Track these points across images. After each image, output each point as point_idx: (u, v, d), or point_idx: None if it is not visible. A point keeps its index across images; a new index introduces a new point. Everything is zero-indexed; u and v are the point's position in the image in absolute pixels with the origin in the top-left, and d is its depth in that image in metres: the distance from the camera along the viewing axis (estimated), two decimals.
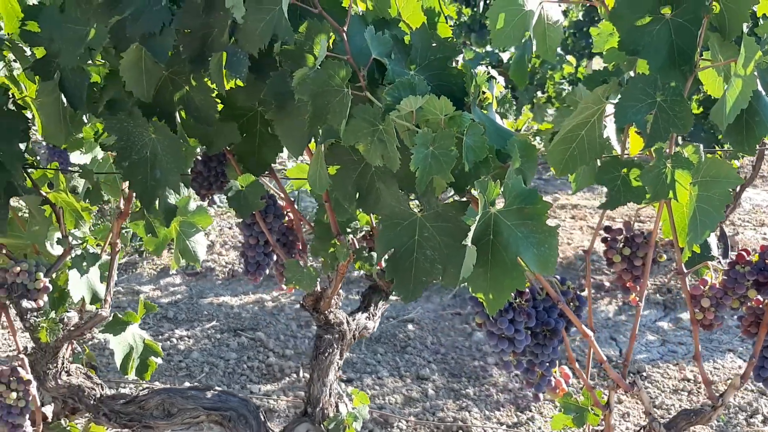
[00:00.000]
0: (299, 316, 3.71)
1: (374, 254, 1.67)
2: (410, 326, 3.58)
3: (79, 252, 1.94)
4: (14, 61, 1.83)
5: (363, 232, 1.73)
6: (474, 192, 1.12)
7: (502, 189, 1.11)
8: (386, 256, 1.28)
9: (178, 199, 1.79)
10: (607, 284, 4.03)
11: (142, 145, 1.50)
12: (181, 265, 2.12)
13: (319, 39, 1.13)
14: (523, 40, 1.33)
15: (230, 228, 4.78)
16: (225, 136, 1.51)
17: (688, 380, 3.17)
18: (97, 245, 2.07)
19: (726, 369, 3.28)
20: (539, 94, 4.33)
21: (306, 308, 1.64)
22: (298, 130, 1.29)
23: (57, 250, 1.99)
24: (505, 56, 4.08)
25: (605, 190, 1.37)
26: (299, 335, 3.48)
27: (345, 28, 1.16)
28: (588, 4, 2.08)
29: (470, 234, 1.06)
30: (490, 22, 1.27)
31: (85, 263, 1.93)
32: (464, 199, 1.25)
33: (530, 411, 2.85)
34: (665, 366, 3.29)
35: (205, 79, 1.44)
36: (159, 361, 2.03)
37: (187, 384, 2.96)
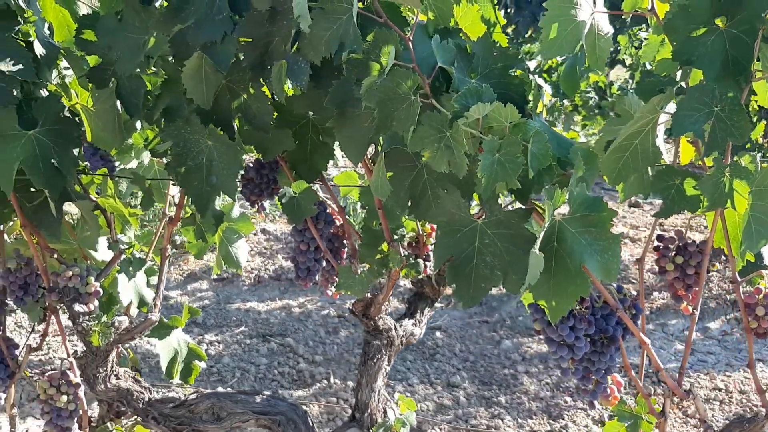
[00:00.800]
0: (326, 323, 3.73)
1: (420, 261, 1.68)
2: (438, 334, 3.59)
3: (125, 257, 1.97)
4: (65, 68, 1.86)
5: (408, 239, 1.75)
6: (540, 201, 1.13)
7: (567, 197, 1.12)
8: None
9: (221, 205, 1.81)
10: (634, 292, 4.01)
11: (198, 152, 1.52)
12: (223, 268, 2.14)
13: (387, 48, 1.15)
14: (575, 50, 1.35)
15: (255, 234, 4.81)
16: (280, 144, 1.53)
17: (720, 389, 3.15)
18: (141, 250, 2.09)
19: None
20: (566, 102, 4.33)
21: (355, 314, 1.65)
22: (357, 137, 1.31)
23: (102, 255, 2.02)
24: (531, 64, 4.09)
25: (634, 199, 1.38)
26: (327, 341, 3.49)
27: (410, 37, 1.17)
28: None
29: (538, 241, 1.07)
30: (543, 31, 1.29)
31: (132, 268, 1.96)
32: (523, 206, 1.26)
33: (563, 419, 2.85)
34: (696, 375, 3.27)
35: (262, 88, 1.46)
36: (202, 365, 2.05)
37: (220, 389, 2.98)
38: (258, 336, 3.55)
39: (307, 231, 1.60)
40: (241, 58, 1.39)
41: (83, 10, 1.78)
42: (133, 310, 1.99)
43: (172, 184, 1.73)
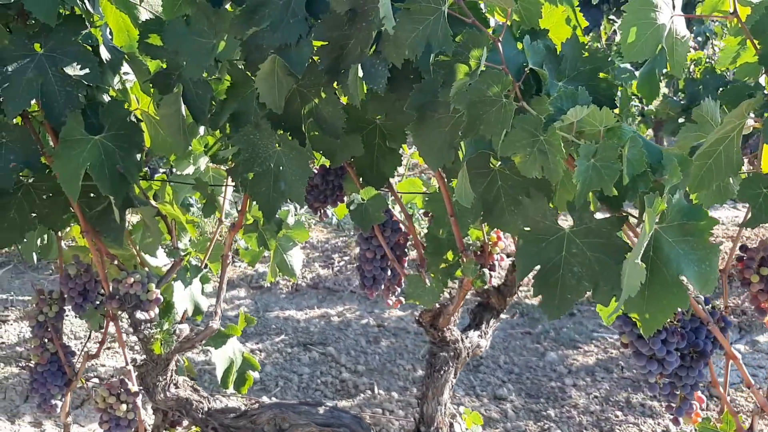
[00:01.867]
0: (366, 332, 3.69)
1: (486, 271, 1.64)
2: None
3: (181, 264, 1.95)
4: (125, 73, 1.85)
5: (473, 248, 1.70)
6: (647, 208, 1.08)
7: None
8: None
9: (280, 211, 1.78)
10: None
11: (266, 158, 1.49)
12: (277, 277, 2.11)
13: (477, 50, 1.11)
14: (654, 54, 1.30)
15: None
16: (349, 149, 1.50)
17: None
18: (196, 257, 2.07)
19: None
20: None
21: (422, 325, 1.61)
22: (438, 142, 1.27)
23: (156, 261, 2.00)
24: None
25: None
26: (369, 351, 3.45)
27: (500, 38, 1.14)
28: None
29: (640, 251, 1.03)
30: (621, 35, 1.24)
31: (188, 275, 1.93)
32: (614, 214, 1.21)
33: None
34: (747, 390, 3.18)
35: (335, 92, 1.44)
36: (256, 375, 2.02)
37: (265, 398, 2.95)
38: (299, 345, 3.52)
39: (374, 239, 1.56)
40: (315, 61, 1.36)
41: (143, 15, 1.77)
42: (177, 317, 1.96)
43: (234, 191, 1.70)
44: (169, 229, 1.78)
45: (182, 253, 2.01)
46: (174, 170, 1.97)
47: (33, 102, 1.54)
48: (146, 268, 1.86)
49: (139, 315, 1.65)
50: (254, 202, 1.73)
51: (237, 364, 1.95)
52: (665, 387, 1.27)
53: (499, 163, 1.37)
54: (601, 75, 1.25)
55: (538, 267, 1.23)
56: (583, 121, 1.10)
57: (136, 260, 1.89)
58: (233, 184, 2.02)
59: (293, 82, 1.46)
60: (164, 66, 1.80)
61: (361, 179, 1.56)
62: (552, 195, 1.32)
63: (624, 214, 1.18)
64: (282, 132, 1.48)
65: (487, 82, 1.09)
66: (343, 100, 1.55)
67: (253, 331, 3.66)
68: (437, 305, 1.61)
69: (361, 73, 1.30)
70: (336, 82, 1.38)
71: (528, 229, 1.24)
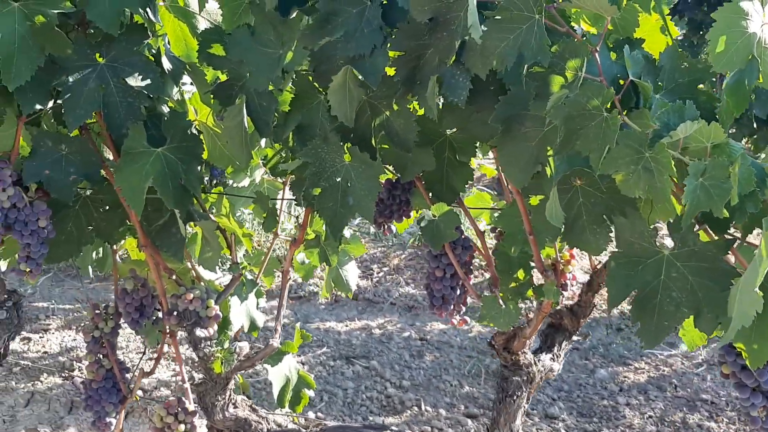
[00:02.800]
0: (409, 346, 3.62)
1: (559, 290, 1.56)
2: None
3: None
4: (182, 84, 1.81)
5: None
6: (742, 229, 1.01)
7: None
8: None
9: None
10: None
11: (333, 172, 1.44)
12: (332, 292, 2.05)
13: (574, 60, 1.04)
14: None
15: None
16: (420, 163, 1.44)
17: None
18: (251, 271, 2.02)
19: None
20: None
21: (494, 347, 1.54)
22: (524, 157, 1.20)
23: (209, 275, 1.96)
24: None
25: None
26: (413, 366, 3.38)
27: (597, 48, 1.07)
28: None
29: (758, 277, 0.95)
30: (710, 44, 1.17)
31: (244, 290, 1.89)
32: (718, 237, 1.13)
33: None
34: None
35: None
36: (311, 393, 1.96)
37: (311, 414, 2.89)
38: (341, 358, 3.46)
39: (444, 256, 1.49)
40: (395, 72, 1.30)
41: (202, 24, 1.73)
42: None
43: (296, 204, 1.65)
44: (228, 243, 1.73)
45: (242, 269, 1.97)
46: (231, 182, 1.92)
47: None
48: (202, 283, 1.82)
49: (199, 332, 1.60)
50: (316, 217, 1.68)
51: (293, 382, 1.89)
52: (766, 421, 1.18)
53: (581, 179, 1.30)
54: (700, 87, 1.17)
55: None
56: (689, 138, 1.02)
57: (191, 274, 1.85)
58: (291, 197, 1.97)
59: (363, 94, 1.40)
60: (221, 76, 1.78)
61: (430, 194, 1.49)
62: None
63: (730, 236, 1.10)
64: (350, 145, 1.42)
65: (587, 95, 1.02)
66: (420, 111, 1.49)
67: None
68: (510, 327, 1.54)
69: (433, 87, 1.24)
70: (411, 94, 1.32)
71: (621, 250, 1.16)
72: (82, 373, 3.25)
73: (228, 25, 1.67)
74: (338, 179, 1.43)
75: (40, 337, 3.62)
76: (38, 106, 1.45)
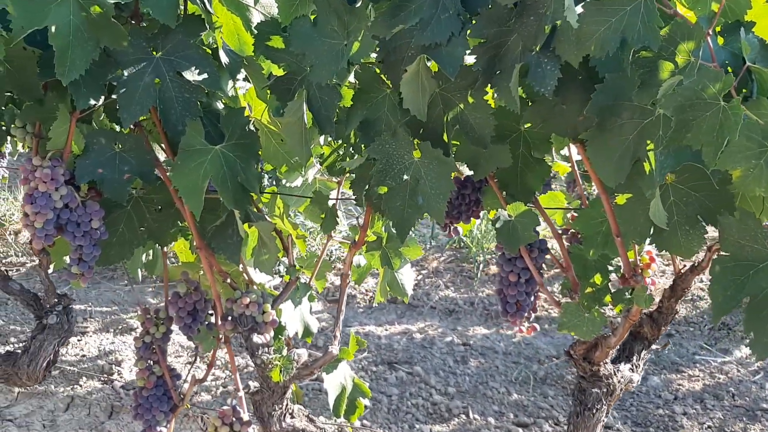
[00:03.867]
0: (453, 351, 3.52)
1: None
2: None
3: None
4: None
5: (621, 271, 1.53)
6: None
7: None
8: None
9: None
10: None
11: (401, 169, 1.35)
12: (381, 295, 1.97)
13: (685, 44, 0.95)
14: None
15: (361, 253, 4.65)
16: (495, 159, 1.35)
17: None
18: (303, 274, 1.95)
19: None
20: None
21: (572, 357, 1.44)
22: (617, 151, 1.11)
23: (259, 278, 1.88)
24: None
25: None
26: (458, 372, 3.29)
27: (709, 31, 0.97)
28: None
29: None
30: None
31: (298, 294, 1.81)
32: None
33: None
34: None
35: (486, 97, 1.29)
36: (366, 402, 1.88)
37: (357, 423, 2.81)
38: (383, 363, 3.38)
39: (519, 260, 1.40)
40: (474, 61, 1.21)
41: (255, 17, 1.65)
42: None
43: (356, 204, 1.57)
44: (284, 245, 1.65)
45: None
46: (284, 182, 1.84)
47: None
48: (255, 286, 1.74)
49: (256, 338, 1.53)
50: (376, 218, 1.60)
51: (348, 390, 1.81)
52: None
53: (674, 176, 1.20)
54: None
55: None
56: None
57: (243, 277, 1.77)
58: (344, 197, 1.89)
59: (436, 86, 1.32)
60: (274, 70, 1.70)
61: (504, 193, 1.40)
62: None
63: None
64: (424, 141, 1.34)
65: (703, 82, 0.93)
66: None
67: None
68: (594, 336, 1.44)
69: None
70: (490, 85, 1.24)
71: (728, 253, 1.06)
72: (121, 377, 3.21)
73: (285, 18, 1.59)
74: (406, 177, 1.35)
75: (78, 340, 3.58)
76: (92, 102, 1.39)
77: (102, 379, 3.21)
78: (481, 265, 4.38)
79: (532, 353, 3.51)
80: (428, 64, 1.30)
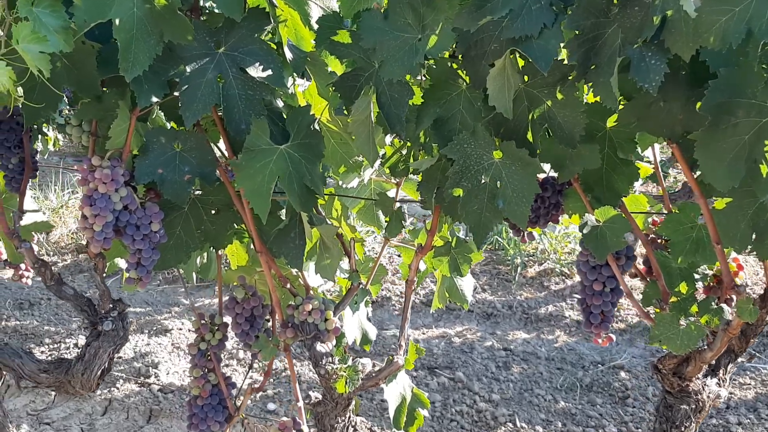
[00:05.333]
0: (494, 356, 3.43)
1: (724, 307, 1.37)
2: (623, 374, 3.23)
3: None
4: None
5: (708, 280, 1.44)
6: None
7: None
8: None
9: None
10: None
11: (478, 171, 1.28)
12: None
13: None
14: None
15: (399, 255, 4.59)
16: (582, 160, 1.26)
17: None
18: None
19: None
20: None
21: (660, 371, 1.35)
22: (730, 153, 1.02)
23: (313, 281, 1.81)
24: None
25: None
26: (501, 378, 3.20)
27: None
28: None
29: None
30: None
31: (356, 300, 1.74)
32: None
33: None
34: None
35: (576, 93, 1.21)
36: (425, 413, 1.80)
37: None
38: (423, 368, 3.30)
39: (604, 267, 1.32)
40: (568, 54, 1.13)
41: (315, 11, 1.58)
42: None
43: (423, 207, 1.49)
44: (346, 250, 1.58)
45: (344, 275, 1.82)
46: (341, 183, 1.77)
47: None
48: (311, 291, 1.67)
49: (320, 348, 1.46)
50: (444, 221, 1.52)
51: (408, 400, 1.74)
52: None
53: None
54: None
55: None
56: None
57: (299, 282, 1.70)
58: (399, 199, 1.81)
59: (520, 82, 1.24)
60: (334, 66, 1.63)
61: (589, 196, 1.32)
62: None
63: None
64: (507, 140, 1.26)
65: None
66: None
67: (373, 350, 3.47)
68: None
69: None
70: (584, 80, 1.15)
71: None
72: (159, 380, 3.16)
73: (346, 12, 1.52)
74: (485, 179, 1.27)
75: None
76: (154, 99, 1.32)
77: (139, 382, 3.16)
78: (519, 268, 4.29)
79: (576, 359, 3.41)
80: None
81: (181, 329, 3.72)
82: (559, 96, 1.21)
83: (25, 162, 1.50)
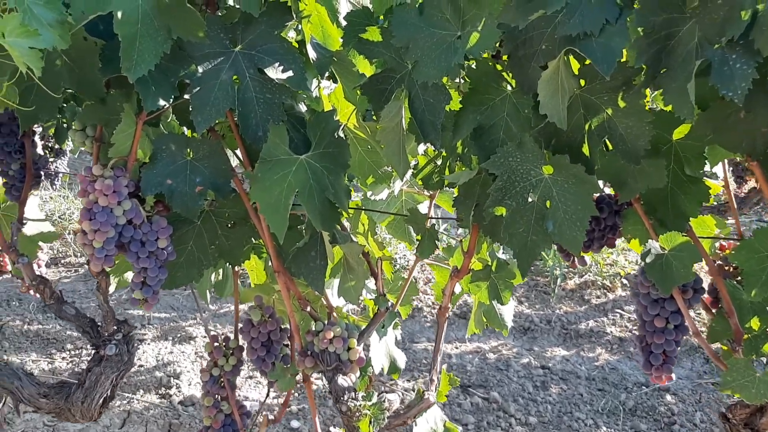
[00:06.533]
0: (531, 374, 3.25)
1: None
2: (669, 397, 3.03)
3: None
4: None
5: None
6: None
7: None
8: None
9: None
10: None
11: (524, 188, 1.11)
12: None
13: None
14: None
15: None
16: (646, 178, 1.10)
17: None
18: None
19: None
20: None
21: (729, 420, 1.18)
22: None
23: (336, 301, 1.66)
24: None
25: None
26: (539, 399, 3.02)
27: None
28: None
29: None
30: None
31: (383, 324, 1.59)
32: None
33: None
34: None
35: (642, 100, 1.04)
36: None
37: None
38: (456, 386, 3.13)
39: (668, 302, 1.14)
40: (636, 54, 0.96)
41: (344, 7, 1.43)
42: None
43: (460, 225, 1.33)
44: (373, 271, 1.43)
45: (369, 296, 1.67)
46: (370, 195, 1.62)
47: None
48: (334, 313, 1.53)
49: (341, 381, 1.31)
50: (483, 242, 1.37)
51: None
52: None
53: None
54: None
55: None
56: None
57: (321, 302, 1.56)
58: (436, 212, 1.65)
59: (575, 87, 1.07)
60: (363, 67, 1.49)
61: (652, 218, 1.15)
62: None
63: None
64: (552, 154, 1.10)
65: None
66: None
67: (403, 365, 3.30)
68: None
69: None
70: (652, 86, 0.99)
71: None
72: (180, 392, 3.04)
73: (378, 7, 1.38)
74: (531, 197, 1.11)
75: (136, 349, 3.43)
76: (162, 102, 1.18)
77: (159, 393, 3.05)
78: (558, 280, 4.09)
79: (618, 379, 3.21)
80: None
81: (205, 337, 3.60)
82: (622, 103, 1.04)
83: (27, 168, 1.38)
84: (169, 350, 3.45)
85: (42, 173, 1.46)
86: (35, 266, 1.69)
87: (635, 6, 0.95)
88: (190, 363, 3.32)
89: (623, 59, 1.00)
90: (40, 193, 5.47)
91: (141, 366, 3.28)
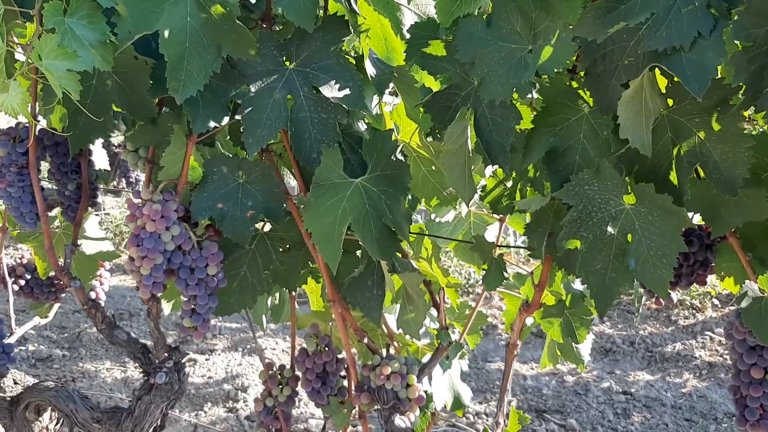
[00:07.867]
0: (611, 400, 3.07)
1: None
2: None
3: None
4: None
5: None
6: None
7: None
8: None
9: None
10: None
11: (602, 219, 0.99)
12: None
13: None
14: None
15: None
16: (745, 210, 0.96)
17: None
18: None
19: None
20: None
21: None
22: None
23: (395, 328, 1.57)
24: None
25: None
26: (620, 428, 2.84)
27: None
28: None
29: None
30: None
31: (447, 356, 1.48)
32: None
33: None
34: None
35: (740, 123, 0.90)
36: None
37: None
38: (530, 410, 2.99)
39: (766, 350, 1.00)
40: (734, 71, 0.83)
41: (408, 18, 1.34)
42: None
43: (531, 256, 1.22)
44: (435, 302, 1.33)
45: (433, 324, 1.57)
46: (434, 217, 1.53)
47: None
48: (395, 343, 1.44)
49: (398, 422, 1.22)
50: (560, 277, 1.25)
51: None
52: None
53: None
54: None
55: None
56: None
57: (380, 331, 1.47)
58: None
59: (661, 107, 0.95)
60: (428, 83, 1.40)
61: (751, 255, 1.01)
62: None
63: None
64: (635, 182, 0.98)
65: None
66: None
67: (474, 386, 3.19)
68: None
69: None
70: (754, 106, 0.85)
71: None
72: (247, 406, 3.02)
73: (443, 18, 1.28)
74: (611, 230, 0.99)
75: (206, 359, 3.44)
76: (212, 124, 1.13)
77: (227, 406, 3.03)
78: (643, 298, 3.87)
79: (707, 408, 2.99)
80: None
81: (275, 349, 3.58)
82: (716, 126, 0.91)
83: (83, 189, 1.36)
84: (238, 362, 3.45)
85: (98, 193, 1.43)
86: (97, 283, 1.70)
87: (733, 17, 0.82)
88: (257, 376, 3.30)
89: (718, 76, 0.87)
90: (107, 202, 5.62)
91: (210, 377, 3.29)
